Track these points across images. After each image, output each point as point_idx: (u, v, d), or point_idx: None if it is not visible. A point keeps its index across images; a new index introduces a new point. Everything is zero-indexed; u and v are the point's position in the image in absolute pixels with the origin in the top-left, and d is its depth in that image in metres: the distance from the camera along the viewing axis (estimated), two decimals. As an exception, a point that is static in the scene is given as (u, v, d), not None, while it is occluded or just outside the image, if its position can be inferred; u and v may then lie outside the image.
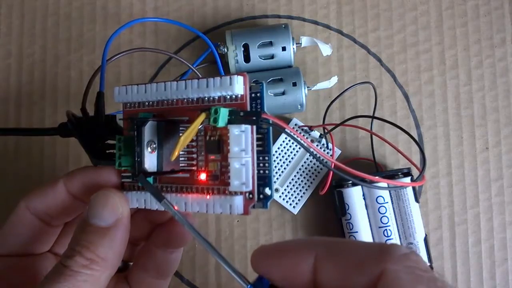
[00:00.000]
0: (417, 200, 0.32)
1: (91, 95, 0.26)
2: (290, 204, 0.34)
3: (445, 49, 0.36)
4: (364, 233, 0.32)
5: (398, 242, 0.32)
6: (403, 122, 0.35)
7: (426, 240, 0.32)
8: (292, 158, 0.34)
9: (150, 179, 0.22)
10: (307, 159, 0.34)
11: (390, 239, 0.32)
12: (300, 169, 0.34)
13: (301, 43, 0.34)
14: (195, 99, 0.21)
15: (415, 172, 0.34)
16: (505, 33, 0.36)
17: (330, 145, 0.34)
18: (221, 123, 0.20)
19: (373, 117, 0.33)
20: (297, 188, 0.34)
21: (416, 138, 0.35)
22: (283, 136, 0.34)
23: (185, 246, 0.30)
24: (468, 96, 0.36)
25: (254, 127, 0.20)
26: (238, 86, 0.20)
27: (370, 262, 0.17)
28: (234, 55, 0.33)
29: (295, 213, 0.34)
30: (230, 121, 0.20)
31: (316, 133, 0.35)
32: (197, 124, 0.20)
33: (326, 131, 0.34)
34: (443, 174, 0.35)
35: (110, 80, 0.36)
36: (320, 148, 0.35)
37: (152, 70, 0.36)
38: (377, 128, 0.35)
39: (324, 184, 0.32)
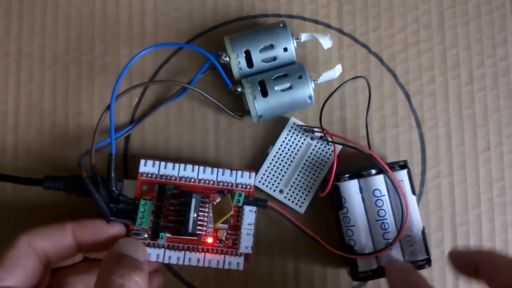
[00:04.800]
0: (414, 192, 0.32)
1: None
2: (296, 204, 0.34)
3: (447, 49, 0.36)
4: (362, 227, 0.32)
5: (395, 235, 0.32)
6: (404, 122, 0.35)
7: (423, 233, 0.32)
8: (293, 157, 0.34)
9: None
10: (309, 156, 0.34)
11: (387, 232, 0.32)
12: (302, 167, 0.34)
13: (300, 39, 0.33)
14: (212, 181, 0.30)
15: (412, 165, 0.34)
16: (507, 33, 0.36)
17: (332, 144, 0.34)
18: (240, 203, 0.30)
19: (368, 144, 0.33)
20: (301, 187, 0.34)
21: (418, 138, 0.35)
22: (282, 136, 0.34)
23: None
24: (469, 95, 0.36)
25: (256, 209, 0.31)
26: (252, 180, 0.31)
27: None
28: (237, 63, 0.33)
29: (302, 212, 0.34)
30: (244, 203, 0.31)
31: (318, 133, 0.34)
32: (231, 202, 0.29)
33: (324, 131, 0.33)
34: (445, 174, 0.35)
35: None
36: (321, 144, 0.34)
37: (151, 70, 0.36)
38: (378, 128, 0.35)
39: (325, 184, 0.32)
